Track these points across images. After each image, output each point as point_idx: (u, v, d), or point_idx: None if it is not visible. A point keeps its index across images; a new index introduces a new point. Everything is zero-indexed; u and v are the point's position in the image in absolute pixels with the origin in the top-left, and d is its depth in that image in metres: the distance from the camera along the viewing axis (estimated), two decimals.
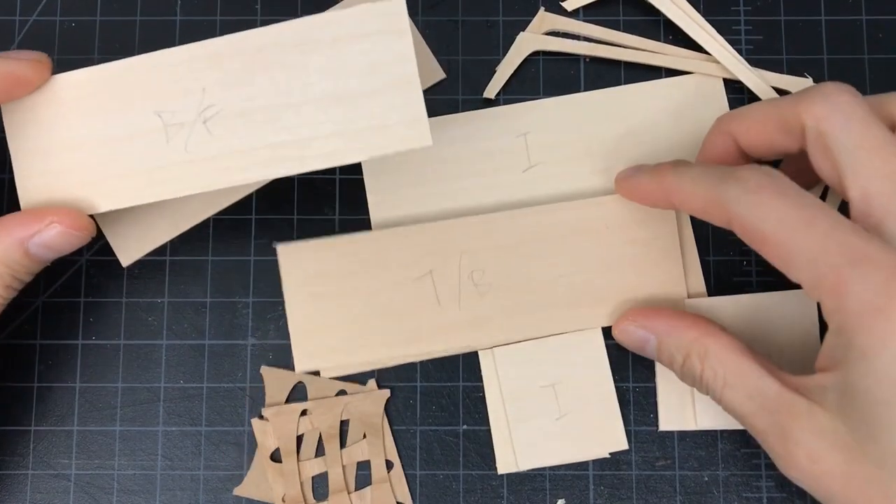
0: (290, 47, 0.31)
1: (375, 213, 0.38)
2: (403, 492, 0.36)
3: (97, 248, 0.38)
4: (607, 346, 0.37)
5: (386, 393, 0.37)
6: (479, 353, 0.37)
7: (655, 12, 0.39)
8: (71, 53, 0.39)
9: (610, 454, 0.36)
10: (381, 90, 0.31)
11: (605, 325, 0.36)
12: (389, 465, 0.36)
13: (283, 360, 0.37)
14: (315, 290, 0.36)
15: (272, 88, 0.31)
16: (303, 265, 0.36)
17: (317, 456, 0.36)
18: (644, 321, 0.34)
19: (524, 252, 0.37)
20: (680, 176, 0.32)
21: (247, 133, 0.31)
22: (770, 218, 0.28)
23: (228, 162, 0.31)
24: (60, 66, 0.39)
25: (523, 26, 0.39)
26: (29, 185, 0.32)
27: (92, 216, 0.32)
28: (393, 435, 0.37)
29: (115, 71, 0.32)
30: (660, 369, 0.37)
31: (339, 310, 0.36)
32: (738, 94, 0.39)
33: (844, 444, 0.27)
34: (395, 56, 0.31)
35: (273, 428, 0.36)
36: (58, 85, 0.33)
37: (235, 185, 0.32)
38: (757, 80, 0.38)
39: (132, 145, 0.32)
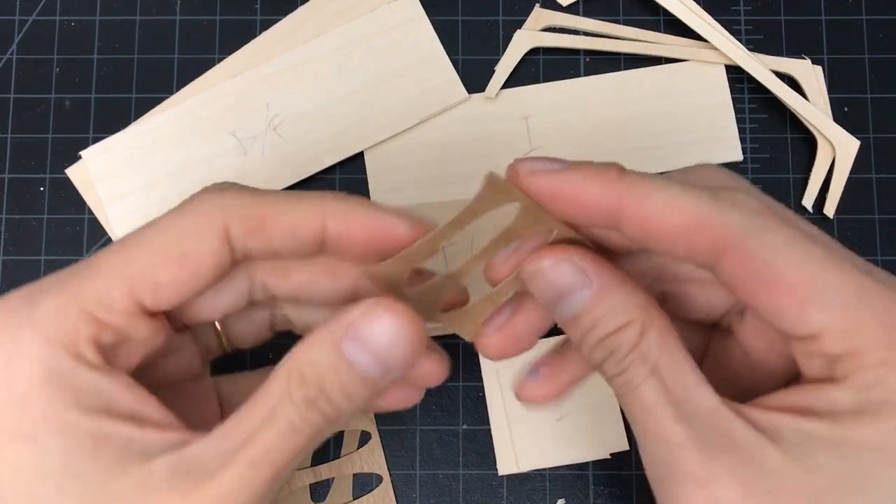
0: (332, 52, 0.38)
1: (377, 198, 0.38)
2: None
3: (98, 248, 0.38)
4: None
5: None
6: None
7: (653, 7, 0.39)
8: (70, 53, 0.39)
9: (610, 454, 0.36)
10: (415, 66, 0.38)
11: None
12: (378, 479, 0.36)
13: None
14: None
15: (325, 87, 0.38)
16: None
17: (312, 465, 0.36)
18: (589, 263, 0.24)
19: None
20: (644, 183, 0.23)
21: (312, 129, 0.38)
22: (784, 254, 0.22)
23: (302, 156, 0.38)
24: (60, 64, 0.39)
25: (523, 25, 0.39)
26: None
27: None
28: (392, 435, 0.37)
29: (185, 109, 0.38)
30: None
31: None
32: (738, 82, 0.39)
33: (796, 494, 0.22)
34: (419, 38, 0.39)
35: None
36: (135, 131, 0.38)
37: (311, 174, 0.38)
38: (757, 65, 0.38)
39: (215, 163, 0.38)
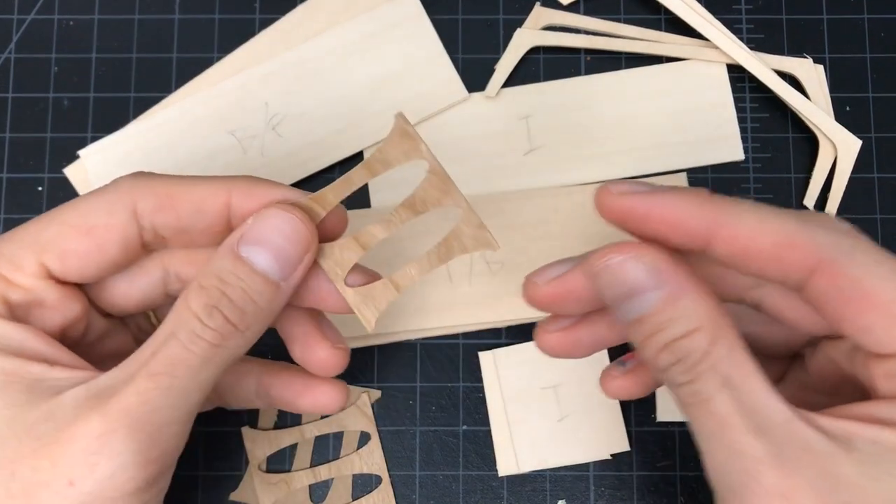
0: (331, 51, 0.38)
1: (377, 200, 0.38)
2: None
3: None
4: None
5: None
6: (480, 353, 0.37)
7: (654, 6, 0.39)
8: (69, 52, 0.39)
9: (611, 455, 0.36)
10: (415, 65, 0.38)
11: None
12: (378, 480, 0.36)
13: (285, 359, 0.37)
14: None
15: (325, 86, 0.38)
16: None
17: (311, 466, 0.36)
18: (662, 263, 0.24)
19: (532, 233, 0.37)
20: (735, 205, 0.24)
21: (312, 128, 0.38)
22: (875, 272, 0.23)
23: (302, 155, 0.38)
24: (59, 64, 0.39)
25: (523, 24, 0.39)
26: None
27: None
28: (392, 435, 0.37)
29: (184, 108, 0.38)
30: None
31: None
32: (739, 81, 0.39)
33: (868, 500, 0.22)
34: (419, 36, 0.38)
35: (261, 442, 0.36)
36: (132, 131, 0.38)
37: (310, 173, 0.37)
38: (758, 64, 0.38)
39: (215, 162, 0.37)
